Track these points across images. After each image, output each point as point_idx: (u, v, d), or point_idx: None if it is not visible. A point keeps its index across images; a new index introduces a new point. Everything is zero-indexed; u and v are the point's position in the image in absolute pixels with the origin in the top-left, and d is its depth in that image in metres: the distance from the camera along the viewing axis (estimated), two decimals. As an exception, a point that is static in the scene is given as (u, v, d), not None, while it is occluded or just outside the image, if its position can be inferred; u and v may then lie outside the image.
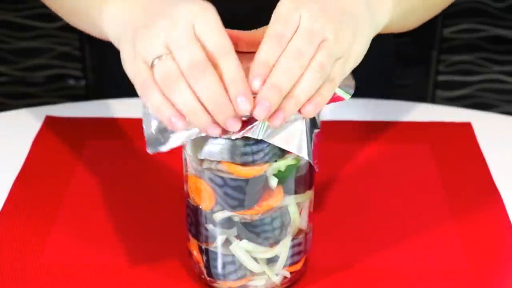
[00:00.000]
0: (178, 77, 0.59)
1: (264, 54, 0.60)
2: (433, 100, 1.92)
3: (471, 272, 0.75)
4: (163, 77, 0.59)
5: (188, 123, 0.59)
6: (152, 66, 0.60)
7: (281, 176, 0.66)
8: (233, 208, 0.66)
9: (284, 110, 0.59)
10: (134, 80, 0.61)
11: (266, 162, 0.64)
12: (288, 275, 0.71)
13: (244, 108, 0.58)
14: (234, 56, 0.59)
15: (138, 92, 0.61)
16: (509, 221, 0.82)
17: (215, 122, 0.59)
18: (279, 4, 0.62)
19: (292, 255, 0.70)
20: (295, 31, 0.61)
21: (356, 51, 0.63)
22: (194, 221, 0.70)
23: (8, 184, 0.87)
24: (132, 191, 0.86)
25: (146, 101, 0.60)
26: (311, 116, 0.61)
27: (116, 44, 0.66)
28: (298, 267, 0.72)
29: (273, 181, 0.66)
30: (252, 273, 0.70)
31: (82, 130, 0.97)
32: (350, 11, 0.63)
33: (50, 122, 0.98)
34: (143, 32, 0.61)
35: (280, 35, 0.60)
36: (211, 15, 0.61)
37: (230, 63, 0.59)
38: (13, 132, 0.98)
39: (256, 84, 0.58)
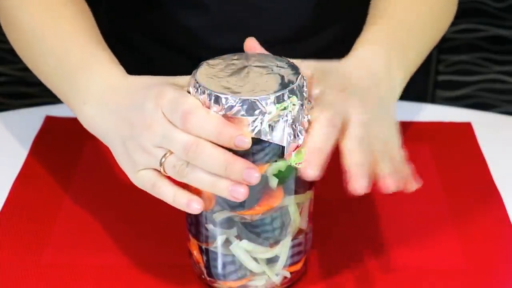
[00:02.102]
0: (184, 164, 0.63)
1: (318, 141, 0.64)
2: (433, 100, 1.92)
3: (471, 272, 0.75)
4: (174, 171, 0.64)
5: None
6: (161, 166, 0.65)
7: (281, 176, 0.66)
8: (233, 208, 0.66)
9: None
10: (143, 186, 0.67)
11: (266, 162, 0.64)
12: (288, 275, 0.71)
13: (247, 143, 0.62)
14: (202, 112, 0.62)
15: (151, 193, 0.66)
16: (509, 221, 0.81)
17: (236, 183, 0.62)
18: (322, 98, 0.67)
19: (292, 255, 0.70)
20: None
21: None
22: (194, 221, 0.70)
23: (8, 184, 0.87)
24: (132, 191, 0.86)
25: (162, 197, 0.66)
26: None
27: (102, 140, 0.72)
28: (298, 267, 0.72)
29: (273, 181, 0.66)
30: (252, 273, 0.70)
31: (82, 130, 0.96)
32: (385, 99, 0.73)
33: (50, 122, 0.98)
34: (134, 145, 0.66)
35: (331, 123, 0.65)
36: (167, 90, 0.65)
37: (205, 122, 0.62)
38: (13, 132, 0.98)
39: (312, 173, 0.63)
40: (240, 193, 0.62)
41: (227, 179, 0.62)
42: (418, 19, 0.84)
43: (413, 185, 0.68)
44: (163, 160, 0.64)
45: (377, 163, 0.67)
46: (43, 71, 0.81)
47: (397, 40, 0.78)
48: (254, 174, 0.62)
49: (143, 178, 0.66)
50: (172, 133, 0.63)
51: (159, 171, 0.65)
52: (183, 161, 0.63)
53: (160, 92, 0.65)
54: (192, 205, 0.64)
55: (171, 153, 0.64)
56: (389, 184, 0.67)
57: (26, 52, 0.83)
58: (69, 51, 0.76)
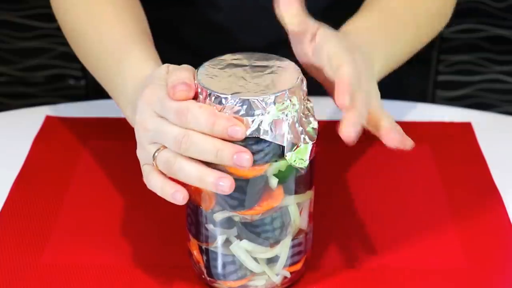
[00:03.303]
0: (175, 157, 0.64)
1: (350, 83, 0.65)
2: (433, 100, 1.91)
3: (471, 272, 0.75)
4: (164, 166, 0.65)
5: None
6: (154, 161, 0.66)
7: (281, 176, 0.66)
8: (233, 208, 0.66)
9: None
10: (145, 180, 0.68)
11: (266, 162, 0.64)
12: (288, 275, 0.71)
13: (240, 132, 0.62)
14: (195, 106, 0.63)
15: (148, 186, 0.68)
16: (509, 221, 0.81)
17: (223, 176, 0.63)
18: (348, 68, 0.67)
19: (292, 255, 0.70)
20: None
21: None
22: (194, 221, 0.70)
23: (8, 184, 0.87)
24: (132, 191, 0.86)
25: (153, 189, 0.67)
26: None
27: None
28: (298, 267, 0.72)
29: (274, 181, 0.66)
30: (252, 273, 0.70)
31: (82, 130, 0.97)
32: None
33: (50, 122, 0.98)
34: (137, 143, 0.68)
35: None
36: (157, 88, 0.66)
37: (199, 115, 0.63)
38: (13, 132, 0.98)
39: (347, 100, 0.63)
40: (226, 186, 0.63)
41: (214, 173, 0.63)
42: (413, 19, 0.86)
43: (410, 142, 0.67)
44: (156, 154, 0.65)
45: (378, 115, 0.68)
46: (91, 69, 0.85)
47: (386, 33, 0.80)
48: (245, 157, 0.62)
49: (143, 173, 0.68)
50: (163, 127, 0.64)
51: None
52: (173, 155, 0.64)
53: (150, 91, 0.66)
54: (177, 195, 0.65)
55: (164, 147, 0.65)
56: (394, 137, 0.67)
57: (76, 50, 0.88)
58: (106, 52, 0.80)
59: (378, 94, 0.71)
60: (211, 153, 0.63)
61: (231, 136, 0.62)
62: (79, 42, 0.86)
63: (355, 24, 0.80)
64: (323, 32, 0.69)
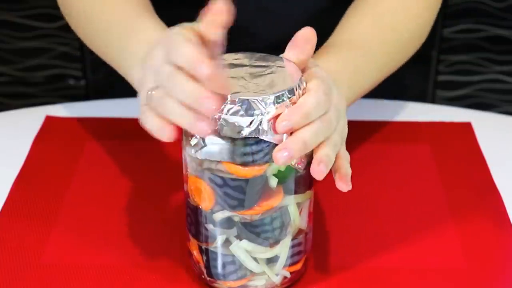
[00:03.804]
0: (165, 95, 0.64)
1: (311, 104, 0.64)
2: (433, 100, 1.91)
3: (471, 272, 0.75)
4: (156, 102, 0.65)
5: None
6: (150, 97, 0.66)
7: (281, 176, 0.66)
8: (233, 208, 0.66)
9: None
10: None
11: (266, 162, 0.64)
12: (288, 275, 0.71)
13: (204, 70, 0.61)
14: (185, 42, 0.63)
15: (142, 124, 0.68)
16: (509, 221, 0.82)
17: (201, 118, 0.62)
18: (321, 71, 0.68)
19: (292, 255, 0.70)
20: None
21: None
22: (194, 221, 0.70)
23: (8, 184, 0.87)
24: (132, 191, 0.86)
25: (145, 125, 0.66)
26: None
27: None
28: (298, 267, 0.72)
29: (273, 181, 0.66)
30: (252, 273, 0.70)
31: (82, 130, 0.97)
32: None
33: (50, 122, 0.98)
34: (143, 81, 0.69)
35: (327, 95, 0.66)
36: (176, 38, 0.65)
37: (184, 51, 0.63)
38: (13, 132, 0.98)
39: (282, 127, 0.63)
40: (203, 129, 0.62)
41: (193, 112, 0.62)
42: (381, 48, 0.86)
43: (349, 186, 0.68)
44: (152, 92, 0.65)
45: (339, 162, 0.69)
46: (97, 46, 0.87)
47: (354, 66, 0.80)
48: (211, 101, 0.61)
49: (140, 113, 0.68)
50: (161, 65, 0.65)
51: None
52: (164, 92, 0.64)
53: (167, 38, 0.67)
54: (163, 131, 0.65)
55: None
56: (342, 186, 0.68)
57: (80, 29, 0.90)
58: (118, 22, 0.83)
59: (345, 134, 0.71)
60: (192, 96, 0.62)
61: (196, 72, 0.61)
62: (86, 22, 0.88)
63: (325, 64, 0.78)
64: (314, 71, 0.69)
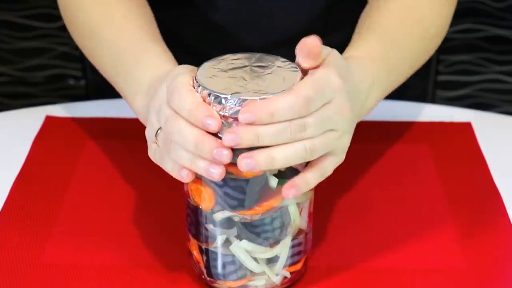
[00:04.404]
0: (168, 139, 0.65)
1: (282, 104, 0.62)
2: (433, 100, 1.91)
3: (471, 272, 0.75)
4: (162, 145, 0.66)
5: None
6: (156, 139, 0.67)
7: (281, 176, 0.66)
8: (233, 208, 0.66)
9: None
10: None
11: (266, 162, 0.64)
12: (288, 275, 0.71)
13: (213, 125, 0.62)
14: (184, 90, 0.64)
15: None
16: (509, 221, 0.82)
17: (214, 162, 0.62)
18: (325, 73, 0.65)
19: (292, 255, 0.70)
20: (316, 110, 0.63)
21: (345, 148, 0.68)
22: (194, 221, 0.70)
23: (8, 184, 0.87)
24: (132, 191, 0.86)
25: (163, 166, 0.68)
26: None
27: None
28: (298, 267, 0.72)
29: (273, 181, 0.66)
30: (252, 273, 0.70)
31: (82, 130, 0.97)
32: (356, 114, 0.69)
33: (50, 122, 0.98)
34: (149, 120, 0.69)
35: (308, 101, 0.62)
36: (177, 83, 0.65)
37: (183, 98, 0.63)
38: (13, 132, 0.98)
39: (244, 118, 0.61)
40: (216, 173, 0.62)
41: (204, 160, 0.63)
42: (412, 43, 0.84)
43: (289, 195, 0.65)
44: (158, 132, 0.66)
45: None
46: (102, 67, 0.86)
47: (386, 62, 0.78)
48: (223, 152, 0.61)
49: (149, 150, 0.69)
50: (162, 107, 0.65)
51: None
52: (169, 138, 0.65)
53: (171, 77, 0.67)
54: (182, 172, 0.65)
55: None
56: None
57: (86, 49, 0.88)
58: (124, 48, 0.81)
59: (339, 149, 0.68)
60: (191, 143, 0.62)
61: (204, 126, 0.62)
62: (91, 41, 0.87)
63: (360, 53, 0.77)
64: (332, 56, 0.67)
